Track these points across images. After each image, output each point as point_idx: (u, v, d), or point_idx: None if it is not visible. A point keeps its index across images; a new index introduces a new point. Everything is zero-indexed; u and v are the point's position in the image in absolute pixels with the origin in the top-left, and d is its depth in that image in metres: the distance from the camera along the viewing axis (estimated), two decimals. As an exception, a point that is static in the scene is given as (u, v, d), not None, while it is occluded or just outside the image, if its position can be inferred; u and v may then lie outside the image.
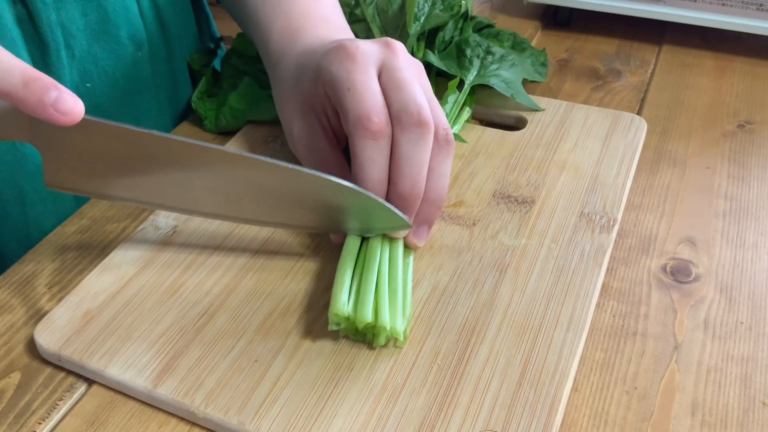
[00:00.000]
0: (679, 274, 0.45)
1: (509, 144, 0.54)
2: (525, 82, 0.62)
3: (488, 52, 0.59)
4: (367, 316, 0.37)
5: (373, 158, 0.41)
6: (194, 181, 0.41)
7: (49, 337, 0.40)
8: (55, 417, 0.37)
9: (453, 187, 0.50)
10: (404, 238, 0.43)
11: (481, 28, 0.64)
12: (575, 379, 0.39)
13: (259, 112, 0.57)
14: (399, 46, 0.44)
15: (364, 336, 0.39)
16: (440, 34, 0.59)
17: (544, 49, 0.66)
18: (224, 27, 0.71)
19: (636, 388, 0.38)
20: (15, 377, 0.40)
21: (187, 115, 0.62)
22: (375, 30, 0.57)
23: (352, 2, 0.58)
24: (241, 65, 0.60)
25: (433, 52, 0.58)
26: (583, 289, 0.42)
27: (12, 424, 0.37)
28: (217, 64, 0.66)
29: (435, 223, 0.44)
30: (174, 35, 0.61)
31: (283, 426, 0.35)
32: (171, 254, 0.45)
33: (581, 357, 0.40)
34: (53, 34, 0.49)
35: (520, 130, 0.56)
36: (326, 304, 0.41)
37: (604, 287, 0.44)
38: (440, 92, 0.53)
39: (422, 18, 0.57)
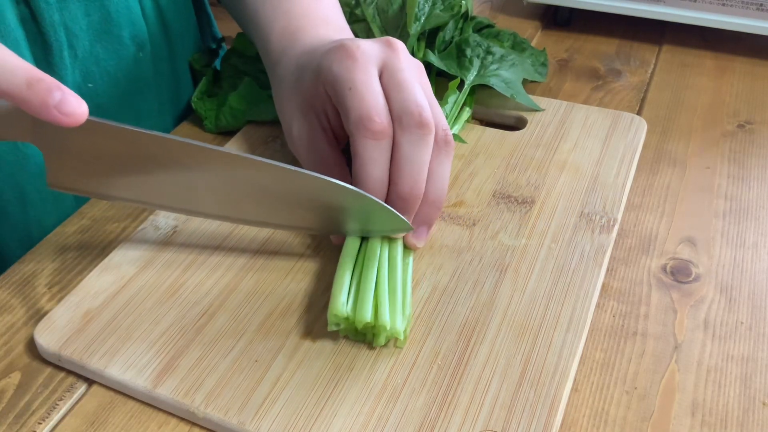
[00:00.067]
0: (679, 274, 0.45)
1: (509, 144, 0.54)
2: (525, 82, 0.62)
3: (488, 52, 0.59)
4: (367, 315, 0.37)
5: (373, 158, 0.41)
6: (196, 181, 0.41)
7: (49, 337, 0.40)
8: (55, 417, 0.37)
9: (453, 187, 0.50)
10: (404, 238, 0.43)
11: (481, 28, 0.65)
12: (575, 379, 0.39)
13: (259, 112, 0.57)
14: (400, 46, 0.44)
15: (364, 336, 0.39)
16: (440, 34, 0.59)
17: (544, 49, 0.66)
18: (225, 27, 0.71)
19: (636, 388, 0.38)
20: (15, 377, 0.40)
21: (188, 115, 0.62)
22: (375, 30, 0.57)
23: (353, 2, 0.58)
24: (241, 65, 0.60)
25: (433, 52, 0.58)
26: (583, 289, 0.42)
27: (12, 424, 0.37)
28: (218, 64, 0.66)
29: (435, 223, 0.44)
30: (176, 35, 0.61)
31: (283, 426, 0.35)
32: (171, 254, 0.45)
33: (581, 357, 0.40)
34: (56, 35, 0.49)
35: (520, 130, 0.56)
36: (326, 304, 0.41)
37: (604, 287, 0.44)
38: (440, 92, 0.53)
39: (422, 18, 0.57)
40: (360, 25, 0.58)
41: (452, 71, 0.57)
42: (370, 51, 0.42)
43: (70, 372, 0.40)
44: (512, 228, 0.46)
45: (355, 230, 0.43)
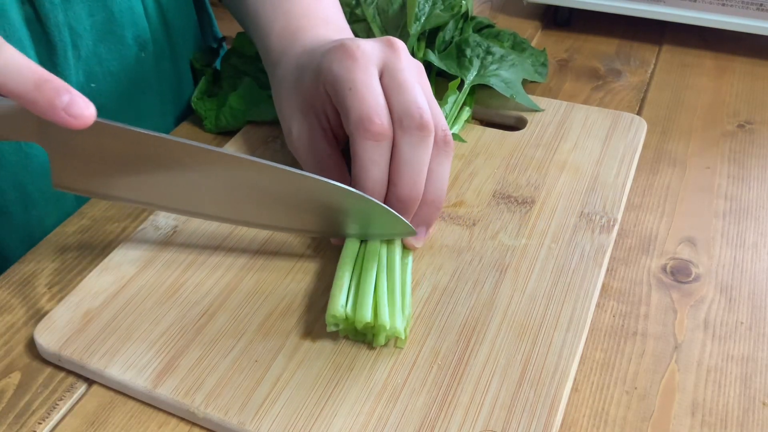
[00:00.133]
0: (679, 274, 0.45)
1: (509, 144, 0.54)
2: (525, 82, 0.62)
3: (488, 52, 0.59)
4: (367, 315, 0.37)
5: (373, 159, 0.41)
6: (199, 183, 0.41)
7: (49, 337, 0.40)
8: (55, 417, 0.37)
9: (453, 187, 0.50)
10: (402, 238, 0.43)
11: (481, 28, 0.65)
12: (575, 379, 0.39)
13: (259, 113, 0.57)
14: (401, 45, 0.43)
15: (364, 336, 0.39)
16: (440, 34, 0.59)
17: (544, 49, 0.66)
18: (225, 27, 0.71)
19: (636, 388, 0.38)
20: (15, 377, 0.40)
21: (190, 114, 0.62)
22: (375, 30, 0.57)
23: (353, 2, 0.58)
24: (241, 65, 0.60)
25: (434, 52, 0.58)
26: (583, 289, 0.42)
27: (12, 424, 0.37)
28: (218, 64, 0.66)
29: (434, 223, 0.44)
30: (177, 35, 0.61)
31: (284, 426, 0.35)
32: (171, 254, 0.45)
33: (581, 357, 0.40)
34: (60, 35, 0.49)
35: (520, 130, 0.56)
36: (326, 304, 0.41)
37: (604, 287, 0.44)
38: (440, 92, 0.53)
39: (423, 18, 0.57)
40: (360, 25, 0.58)
41: (452, 71, 0.57)
42: (370, 51, 0.42)
43: (70, 372, 0.40)
44: (512, 228, 0.46)
45: (356, 233, 0.43)
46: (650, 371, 0.39)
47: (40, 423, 0.37)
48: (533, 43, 0.72)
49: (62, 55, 0.50)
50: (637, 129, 0.55)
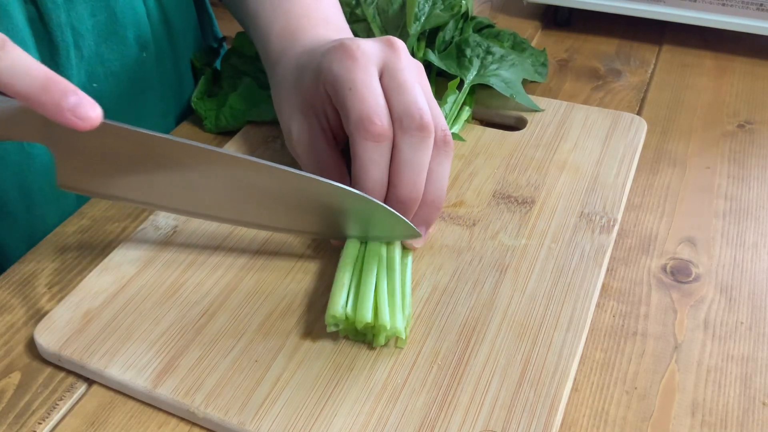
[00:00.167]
0: (679, 274, 0.45)
1: (509, 144, 0.54)
2: (525, 82, 0.62)
3: (488, 52, 0.59)
4: (367, 315, 0.37)
5: (373, 160, 0.40)
6: (201, 183, 0.41)
7: (49, 337, 0.40)
8: (55, 417, 0.37)
9: (453, 187, 0.50)
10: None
11: (481, 28, 0.65)
12: (575, 379, 0.39)
13: (259, 113, 0.57)
14: (401, 45, 0.43)
15: (364, 336, 0.39)
16: (440, 34, 0.59)
17: (544, 49, 0.66)
18: (226, 27, 0.71)
19: (636, 388, 0.38)
20: (15, 377, 0.40)
21: (190, 114, 0.62)
22: (375, 30, 0.57)
23: (353, 2, 0.58)
24: (241, 65, 0.60)
25: (434, 52, 0.58)
26: (583, 289, 0.42)
27: (12, 424, 0.37)
28: (218, 64, 0.66)
29: (434, 223, 0.44)
30: (178, 35, 0.61)
31: (284, 426, 0.35)
32: (171, 254, 0.45)
33: (581, 357, 0.40)
34: (63, 35, 0.50)
35: (520, 131, 0.56)
36: (326, 305, 0.41)
37: (604, 287, 0.44)
38: (440, 92, 0.53)
39: (422, 18, 0.57)
40: (360, 25, 0.58)
41: (452, 71, 0.57)
42: (370, 51, 0.42)
43: (70, 372, 0.40)
44: (512, 228, 0.46)
45: (357, 235, 0.43)
46: (650, 371, 0.39)
47: (40, 423, 0.37)
48: (533, 43, 0.72)
49: (65, 56, 0.50)
50: (637, 129, 0.55)
